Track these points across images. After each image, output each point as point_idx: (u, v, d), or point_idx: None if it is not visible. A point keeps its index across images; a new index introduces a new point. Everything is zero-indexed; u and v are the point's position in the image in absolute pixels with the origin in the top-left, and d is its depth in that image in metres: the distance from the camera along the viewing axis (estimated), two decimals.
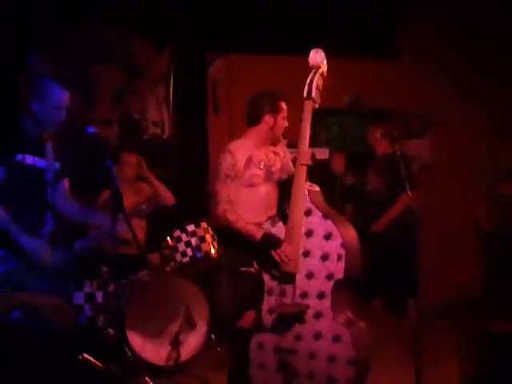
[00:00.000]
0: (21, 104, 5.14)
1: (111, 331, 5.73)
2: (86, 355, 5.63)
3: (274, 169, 4.99)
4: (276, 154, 5.04)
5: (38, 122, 4.32)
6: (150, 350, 5.89)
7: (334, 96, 7.92)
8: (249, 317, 4.81)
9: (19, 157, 4.22)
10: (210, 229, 6.11)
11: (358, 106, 9.04)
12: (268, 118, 4.92)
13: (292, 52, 7.94)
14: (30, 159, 4.27)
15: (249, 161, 4.89)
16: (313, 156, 4.58)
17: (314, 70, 4.63)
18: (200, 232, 6.10)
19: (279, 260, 4.47)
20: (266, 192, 4.94)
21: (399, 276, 7.02)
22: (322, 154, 7.84)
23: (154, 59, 7.87)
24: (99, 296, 5.95)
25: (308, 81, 4.59)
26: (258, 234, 4.62)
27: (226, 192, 4.83)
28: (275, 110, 4.92)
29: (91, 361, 5.62)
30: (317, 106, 4.60)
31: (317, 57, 4.64)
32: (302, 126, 4.59)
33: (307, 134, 4.58)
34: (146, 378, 5.54)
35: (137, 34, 7.73)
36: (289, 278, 4.45)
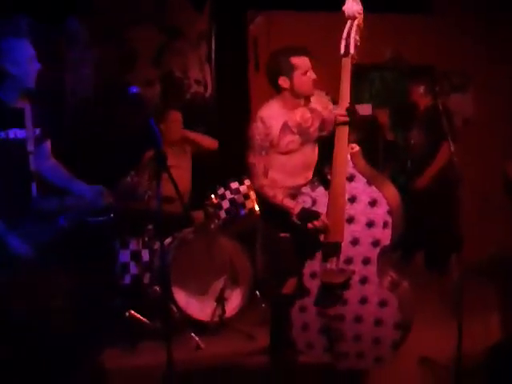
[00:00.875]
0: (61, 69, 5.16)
1: (157, 288, 5.82)
2: (132, 312, 5.74)
3: (311, 129, 4.75)
4: (313, 110, 4.78)
5: (14, 83, 4.22)
6: (195, 306, 5.96)
7: (376, 51, 7.88)
8: (290, 283, 4.69)
9: (1, 134, 4.17)
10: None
11: (400, 61, 8.95)
12: (282, 81, 4.64)
13: (332, 8, 7.88)
14: (11, 133, 4.22)
15: (284, 127, 4.64)
16: (353, 113, 4.38)
17: (349, 22, 4.38)
18: (244, 189, 6.11)
19: (313, 231, 4.38)
20: (303, 156, 4.73)
21: (441, 232, 7.00)
22: (365, 109, 7.80)
23: (193, 18, 7.83)
24: (145, 254, 6.02)
25: (344, 35, 4.36)
26: (296, 209, 4.46)
27: (262, 164, 4.64)
28: (287, 70, 4.60)
29: (137, 318, 5.72)
30: (354, 61, 4.37)
31: (353, 5, 4.35)
32: (341, 85, 4.39)
33: (347, 93, 4.39)
34: (192, 334, 5.63)
35: None
36: (334, 248, 4.36)
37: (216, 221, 6.07)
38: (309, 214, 4.41)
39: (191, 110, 7.62)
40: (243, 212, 6.06)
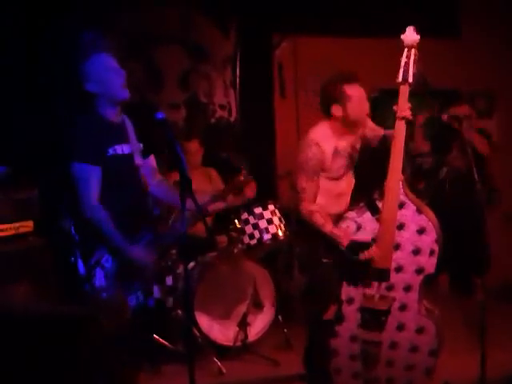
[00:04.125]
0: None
1: (180, 312, 5.82)
2: (155, 336, 5.74)
3: (356, 155, 4.79)
4: (364, 139, 4.83)
5: (105, 98, 4.25)
6: (217, 330, 5.96)
7: None
8: (332, 309, 4.55)
9: (110, 151, 4.21)
10: (277, 211, 6.13)
11: (425, 87, 8.96)
12: (335, 109, 4.55)
13: (358, 33, 7.91)
14: (119, 149, 4.26)
15: (335, 152, 4.60)
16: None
17: (407, 50, 4.31)
18: (267, 214, 6.12)
19: (364, 259, 4.33)
20: (346, 182, 4.76)
21: (467, 254, 6.99)
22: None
23: (219, 41, 7.88)
24: (168, 278, 6.03)
25: (402, 63, 4.28)
26: (345, 241, 4.38)
27: (313, 190, 4.58)
28: (341, 99, 4.52)
29: (160, 342, 5.72)
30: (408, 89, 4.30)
31: (413, 34, 4.32)
32: (398, 108, 4.31)
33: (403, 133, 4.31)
34: (214, 358, 5.62)
35: (202, 15, 7.76)
36: (382, 274, 4.34)
37: (239, 245, 6.07)
38: (359, 245, 4.35)
39: (215, 134, 7.67)
40: (266, 237, 6.05)
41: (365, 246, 4.33)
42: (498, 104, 8.83)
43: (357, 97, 4.53)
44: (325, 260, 4.61)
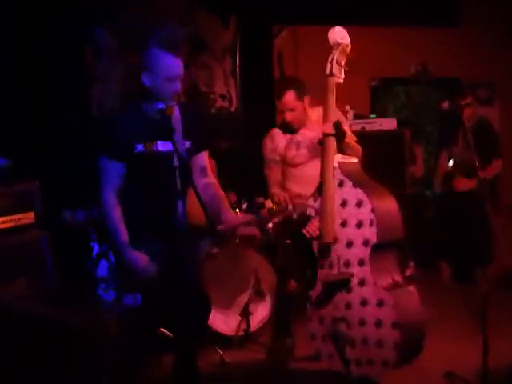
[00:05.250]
0: (87, 78, 5.13)
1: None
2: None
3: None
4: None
5: (152, 97, 4.15)
6: (220, 320, 5.96)
7: (401, 65, 7.90)
8: (291, 285, 5.41)
9: (139, 147, 4.11)
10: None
11: (426, 75, 8.96)
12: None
13: (358, 22, 7.90)
14: (154, 146, 4.15)
15: (289, 143, 5.31)
16: (339, 128, 4.62)
17: (334, 48, 4.73)
18: (269, 204, 6.11)
19: (308, 236, 4.70)
20: (313, 168, 5.06)
21: (471, 243, 6.99)
22: (390, 124, 7.78)
23: (219, 31, 7.88)
24: None
25: (329, 59, 4.69)
26: (295, 213, 5.04)
27: (274, 175, 5.40)
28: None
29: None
30: (341, 81, 4.67)
31: (335, 35, 4.73)
32: (325, 100, 4.68)
33: (331, 107, 4.67)
34: (217, 348, 5.63)
35: (201, 6, 7.75)
36: (325, 249, 4.60)
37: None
38: (303, 217, 4.82)
39: (216, 124, 7.66)
40: (267, 226, 6.05)
41: (308, 218, 4.77)
42: (499, 93, 8.84)
43: (279, 111, 5.27)
44: (287, 241, 5.32)
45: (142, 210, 4.15)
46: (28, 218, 5.32)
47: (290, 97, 5.17)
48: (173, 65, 4.14)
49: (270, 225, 5.84)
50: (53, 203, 5.71)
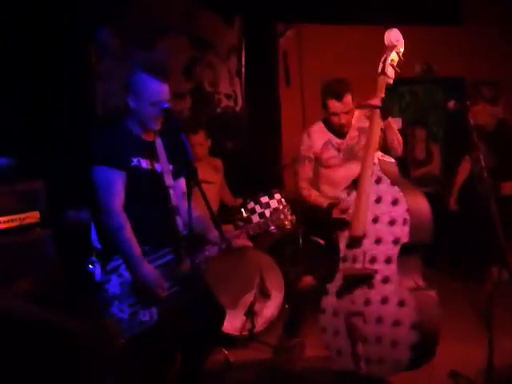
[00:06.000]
0: (91, 78, 5.08)
1: None
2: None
3: (357, 147, 5.23)
4: (362, 130, 5.19)
5: (137, 118, 4.17)
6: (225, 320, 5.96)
7: (406, 65, 7.87)
8: (305, 281, 5.31)
9: (134, 161, 4.12)
10: (283, 200, 6.11)
11: (431, 75, 8.95)
12: (323, 112, 5.27)
13: (361, 21, 7.90)
14: (145, 163, 4.17)
15: (326, 143, 5.29)
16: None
17: (389, 49, 4.67)
18: (274, 203, 6.10)
19: (339, 215, 4.74)
20: (346, 171, 5.15)
21: (483, 244, 6.98)
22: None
23: (223, 31, 7.88)
24: None
25: (382, 58, 4.65)
26: (324, 205, 4.99)
27: (305, 171, 5.36)
28: (324, 106, 5.21)
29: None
30: (391, 81, 4.66)
31: (391, 36, 4.66)
32: (374, 99, 4.67)
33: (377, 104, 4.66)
34: (222, 347, 5.63)
35: (205, 5, 7.75)
36: (355, 242, 4.58)
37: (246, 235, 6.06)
38: (334, 205, 4.85)
39: (221, 123, 7.66)
40: (273, 226, 6.04)
41: (338, 204, 4.79)
42: (503, 91, 8.82)
43: (332, 110, 5.16)
44: (314, 238, 5.38)
45: (142, 225, 4.11)
46: (33, 217, 5.32)
47: (349, 100, 5.15)
48: (159, 90, 4.13)
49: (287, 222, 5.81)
50: (57, 202, 5.71)
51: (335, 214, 4.80)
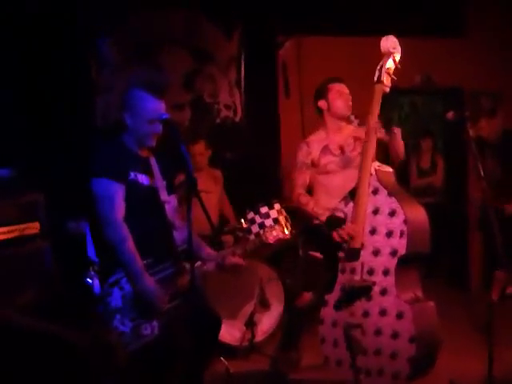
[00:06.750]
0: (92, 91, 5.07)
1: None
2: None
3: (353, 154, 5.25)
4: (357, 139, 5.26)
5: (133, 135, 4.18)
6: (224, 330, 5.93)
7: (405, 76, 7.89)
8: (305, 298, 5.34)
9: (132, 175, 4.13)
10: (283, 210, 6.11)
11: (430, 85, 8.96)
12: (321, 103, 5.38)
13: (361, 33, 7.92)
14: (140, 177, 4.18)
15: (324, 148, 5.32)
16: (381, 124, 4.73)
17: (385, 56, 4.72)
18: (273, 214, 6.10)
19: (339, 240, 4.61)
20: (343, 178, 5.18)
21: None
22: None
23: (223, 43, 7.90)
24: None
25: (379, 66, 4.70)
26: (324, 216, 4.93)
27: (302, 178, 5.34)
28: (324, 93, 5.34)
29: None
30: (387, 89, 4.70)
31: (387, 43, 4.71)
32: (370, 107, 4.68)
33: (374, 114, 4.67)
34: (222, 358, 5.62)
35: (205, 17, 7.78)
36: (353, 254, 4.56)
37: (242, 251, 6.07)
38: (336, 220, 4.71)
39: (221, 134, 7.68)
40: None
41: (341, 220, 4.66)
42: (502, 103, 8.82)
43: (337, 90, 5.31)
44: (311, 252, 5.34)
45: (141, 239, 4.08)
46: (33, 227, 5.32)
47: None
48: (155, 107, 4.13)
49: (287, 232, 5.79)
50: (57, 214, 5.71)
51: (336, 237, 4.67)
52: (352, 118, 5.42)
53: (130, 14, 7.44)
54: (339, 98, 5.31)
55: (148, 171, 4.26)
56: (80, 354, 4.32)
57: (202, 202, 3.97)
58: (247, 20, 7.88)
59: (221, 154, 7.16)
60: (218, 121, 7.87)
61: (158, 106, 4.14)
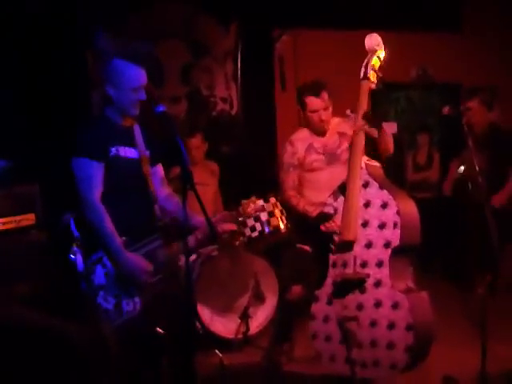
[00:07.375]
0: (89, 84, 5.08)
1: None
2: (158, 329, 5.74)
3: (339, 150, 5.29)
4: (342, 134, 5.31)
5: (116, 107, 4.21)
6: (219, 323, 5.98)
7: (402, 70, 7.90)
8: (295, 291, 5.27)
9: (113, 150, 4.16)
10: (278, 204, 6.11)
11: (426, 79, 8.97)
12: (300, 113, 5.44)
13: (358, 27, 7.91)
14: (123, 151, 4.21)
15: (309, 147, 5.34)
16: (369, 119, 4.67)
17: (370, 53, 4.77)
18: (269, 207, 6.09)
19: (325, 230, 4.71)
20: (330, 174, 5.22)
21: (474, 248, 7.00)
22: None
23: (220, 36, 7.91)
24: None
25: (364, 63, 4.74)
26: (314, 213, 5.01)
27: (291, 179, 5.39)
28: (301, 103, 5.34)
29: (162, 334, 5.72)
30: (374, 86, 4.74)
31: (372, 41, 4.77)
32: (358, 104, 4.72)
33: (361, 110, 4.68)
34: (216, 350, 5.64)
35: (202, 11, 7.78)
36: (346, 246, 4.56)
37: (241, 238, 6.06)
38: (324, 216, 4.78)
39: (217, 127, 7.69)
40: (268, 229, 6.05)
41: (331, 217, 4.74)
42: (499, 97, 8.83)
43: (312, 108, 5.26)
44: (298, 245, 5.30)
45: (123, 214, 4.14)
46: (29, 219, 5.32)
47: (326, 96, 5.23)
48: (137, 75, 4.19)
49: (283, 226, 5.77)
50: (53, 205, 5.71)
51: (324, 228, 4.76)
52: (348, 112, 5.41)
53: (129, 7, 7.44)
54: (313, 114, 5.28)
55: (131, 142, 4.29)
56: (79, 347, 4.32)
57: (198, 195, 3.97)
58: (244, 13, 7.88)
59: (216, 146, 7.15)
60: (214, 114, 7.88)
61: (139, 73, 4.20)
